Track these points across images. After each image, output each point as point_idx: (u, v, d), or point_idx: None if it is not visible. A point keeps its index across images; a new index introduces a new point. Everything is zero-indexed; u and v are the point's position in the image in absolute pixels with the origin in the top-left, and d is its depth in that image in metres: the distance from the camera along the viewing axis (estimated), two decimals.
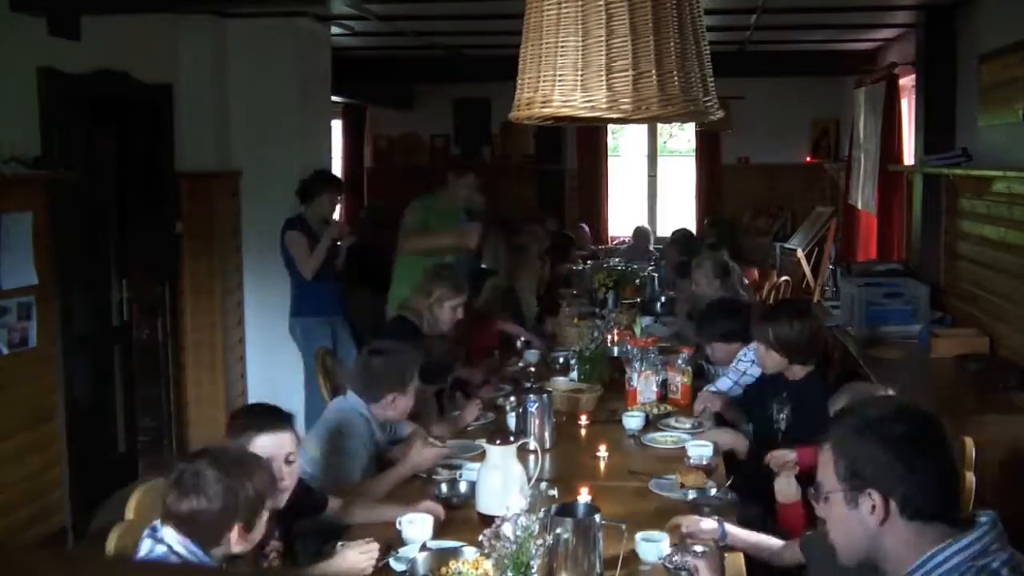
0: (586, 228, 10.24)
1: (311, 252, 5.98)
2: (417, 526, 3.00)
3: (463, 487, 3.34)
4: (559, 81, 2.43)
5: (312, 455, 3.48)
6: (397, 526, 3.02)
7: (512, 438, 3.17)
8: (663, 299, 6.89)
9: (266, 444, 2.76)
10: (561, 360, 5.14)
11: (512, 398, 4.31)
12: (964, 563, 1.85)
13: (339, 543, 2.86)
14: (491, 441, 3.15)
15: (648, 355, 4.49)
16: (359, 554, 2.75)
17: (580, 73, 2.40)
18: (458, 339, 4.88)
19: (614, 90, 2.39)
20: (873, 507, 1.90)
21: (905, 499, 1.89)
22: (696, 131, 10.59)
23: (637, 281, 7.37)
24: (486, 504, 3.09)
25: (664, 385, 4.48)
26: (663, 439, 3.98)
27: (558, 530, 2.65)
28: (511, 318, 5.99)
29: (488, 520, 3.02)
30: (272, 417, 2.87)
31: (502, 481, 3.05)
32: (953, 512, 1.92)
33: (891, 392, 3.12)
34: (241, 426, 2.84)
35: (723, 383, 4.41)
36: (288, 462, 2.82)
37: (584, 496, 3.05)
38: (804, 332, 3.88)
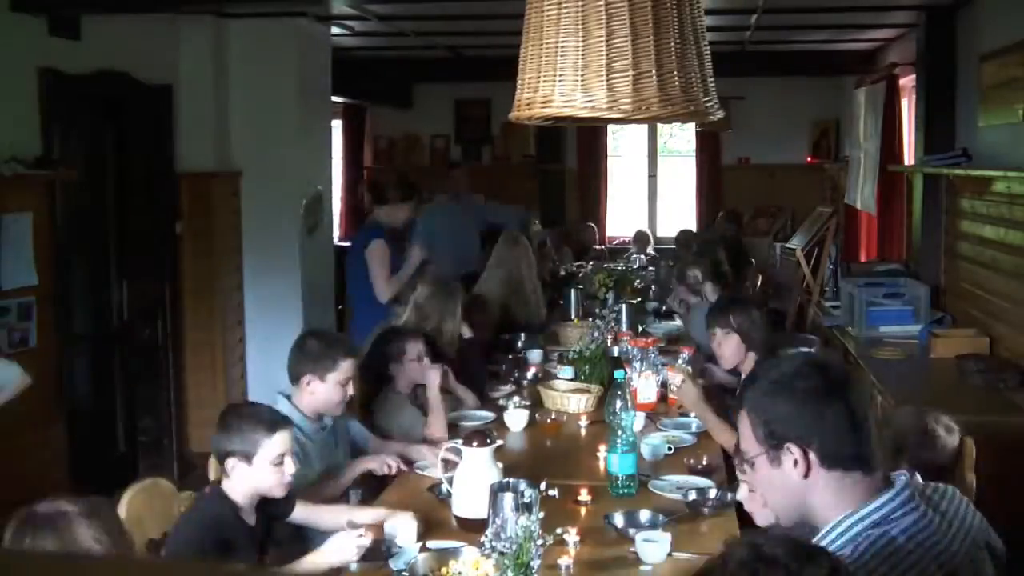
0: (593, 227, 10.20)
1: (390, 271, 5.26)
2: (401, 530, 2.94)
3: None
4: (559, 81, 2.43)
5: None
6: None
7: (489, 440, 3.08)
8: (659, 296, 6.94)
9: (280, 441, 2.85)
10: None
11: (515, 398, 4.31)
12: (864, 531, 1.89)
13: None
14: (467, 443, 3.08)
15: (648, 355, 4.49)
16: (347, 539, 2.73)
17: (580, 73, 2.41)
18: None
19: (614, 90, 2.39)
20: (795, 461, 1.95)
21: (822, 447, 1.95)
22: (696, 131, 10.56)
23: (637, 281, 7.36)
24: (463, 508, 3.02)
25: (664, 385, 4.47)
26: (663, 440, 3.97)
27: None
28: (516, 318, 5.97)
29: (466, 524, 2.98)
30: (277, 416, 2.96)
31: (478, 484, 2.95)
32: (867, 454, 1.96)
33: (939, 419, 3.22)
34: (252, 426, 2.84)
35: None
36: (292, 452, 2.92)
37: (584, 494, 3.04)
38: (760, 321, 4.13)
